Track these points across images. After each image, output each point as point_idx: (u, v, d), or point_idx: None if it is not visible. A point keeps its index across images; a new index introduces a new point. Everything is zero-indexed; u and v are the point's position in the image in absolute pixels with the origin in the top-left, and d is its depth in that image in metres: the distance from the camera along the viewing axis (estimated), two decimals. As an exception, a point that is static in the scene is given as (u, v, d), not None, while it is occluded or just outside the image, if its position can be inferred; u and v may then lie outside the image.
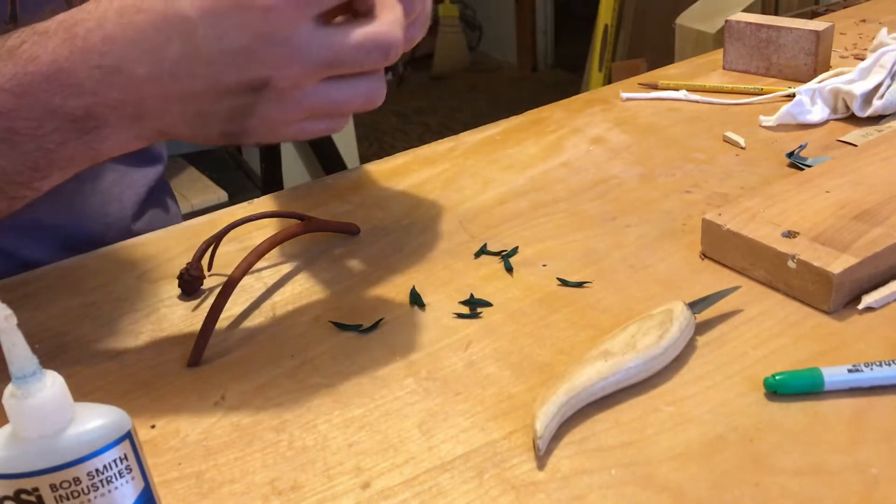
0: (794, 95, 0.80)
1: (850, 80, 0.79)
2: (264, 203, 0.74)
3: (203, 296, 0.61)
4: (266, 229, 0.69)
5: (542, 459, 0.44)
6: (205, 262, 0.63)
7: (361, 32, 0.47)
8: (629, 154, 0.76)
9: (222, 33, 0.45)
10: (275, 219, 0.69)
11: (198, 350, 0.54)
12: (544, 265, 0.61)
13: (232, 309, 0.59)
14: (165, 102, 0.47)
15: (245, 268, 0.58)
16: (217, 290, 0.58)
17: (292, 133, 0.50)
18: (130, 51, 0.46)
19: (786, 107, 0.78)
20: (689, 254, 0.60)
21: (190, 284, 0.61)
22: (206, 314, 0.55)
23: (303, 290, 0.61)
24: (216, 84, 0.46)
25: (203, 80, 0.46)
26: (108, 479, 0.33)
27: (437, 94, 3.72)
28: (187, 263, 0.62)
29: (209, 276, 0.63)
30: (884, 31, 0.85)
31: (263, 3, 0.44)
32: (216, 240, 0.64)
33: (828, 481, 0.41)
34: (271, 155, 1.90)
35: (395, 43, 0.48)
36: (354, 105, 0.50)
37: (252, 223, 0.68)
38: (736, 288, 0.54)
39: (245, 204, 0.73)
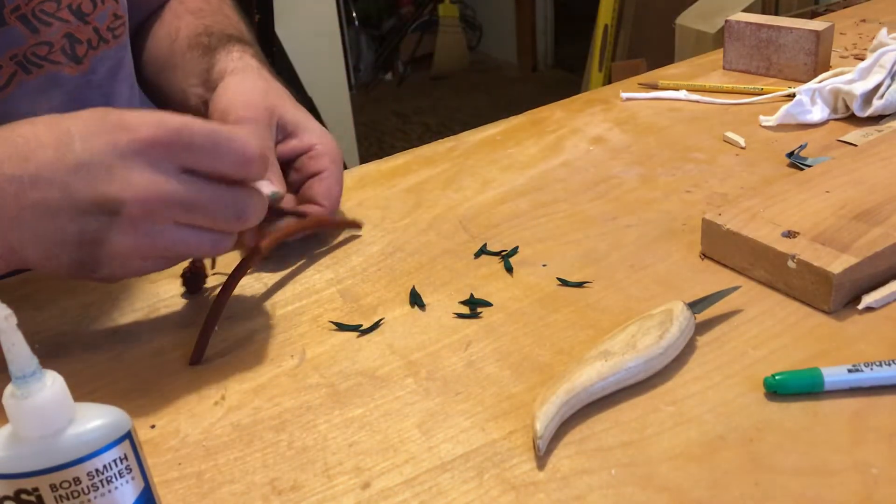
0: (794, 95, 0.80)
1: (850, 80, 0.78)
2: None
3: (205, 294, 0.61)
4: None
5: (542, 459, 0.44)
6: (208, 261, 0.63)
7: (223, 189, 0.50)
8: (629, 154, 0.76)
9: (95, 149, 0.47)
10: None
11: (199, 349, 0.54)
12: (544, 265, 0.61)
13: (232, 309, 0.59)
14: (18, 210, 0.47)
15: (245, 266, 0.58)
16: (218, 289, 0.58)
17: (144, 269, 0.52)
18: (2, 149, 0.48)
19: (786, 107, 0.78)
20: (689, 254, 0.60)
21: (193, 282, 0.61)
22: (207, 313, 0.55)
23: (303, 290, 0.61)
24: (71, 198, 0.47)
25: (60, 189, 0.47)
26: (108, 479, 0.33)
27: (437, 94, 3.72)
28: (190, 261, 0.62)
29: (212, 274, 0.63)
30: (884, 31, 0.85)
31: (145, 133, 0.47)
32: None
33: (828, 481, 0.41)
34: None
35: (250, 209, 0.51)
36: (199, 252, 0.52)
37: None
38: (736, 288, 0.54)
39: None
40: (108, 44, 0.75)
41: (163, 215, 0.48)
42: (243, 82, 0.67)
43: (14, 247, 0.49)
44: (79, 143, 0.47)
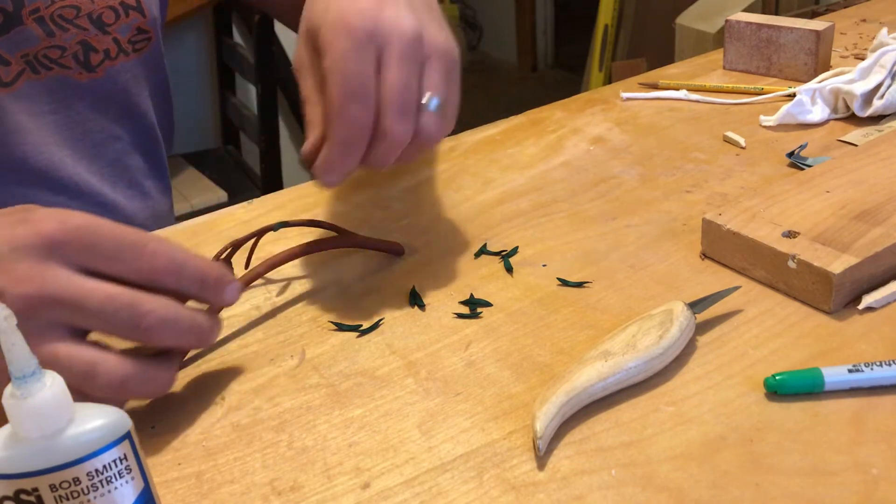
0: (794, 95, 0.80)
1: (851, 79, 0.78)
2: (264, 203, 0.73)
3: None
4: (284, 240, 0.65)
5: (542, 460, 0.44)
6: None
7: (121, 291, 0.45)
8: (629, 154, 0.76)
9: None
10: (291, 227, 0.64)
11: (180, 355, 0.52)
12: (544, 265, 0.61)
13: (232, 309, 0.59)
14: None
15: (262, 271, 0.56)
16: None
17: None
18: None
19: (786, 107, 0.78)
20: (689, 254, 0.60)
21: None
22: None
23: (303, 291, 0.61)
24: None
25: None
26: (108, 479, 0.33)
27: (437, 93, 3.72)
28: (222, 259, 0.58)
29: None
30: (884, 30, 0.85)
31: (42, 227, 0.44)
32: (244, 241, 0.60)
33: (828, 481, 0.41)
34: (271, 154, 1.90)
35: (152, 318, 0.45)
36: (104, 381, 0.45)
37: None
38: (736, 288, 0.54)
39: (245, 204, 0.73)
40: (128, 56, 0.75)
41: (47, 314, 0.44)
42: None
43: None
44: None
